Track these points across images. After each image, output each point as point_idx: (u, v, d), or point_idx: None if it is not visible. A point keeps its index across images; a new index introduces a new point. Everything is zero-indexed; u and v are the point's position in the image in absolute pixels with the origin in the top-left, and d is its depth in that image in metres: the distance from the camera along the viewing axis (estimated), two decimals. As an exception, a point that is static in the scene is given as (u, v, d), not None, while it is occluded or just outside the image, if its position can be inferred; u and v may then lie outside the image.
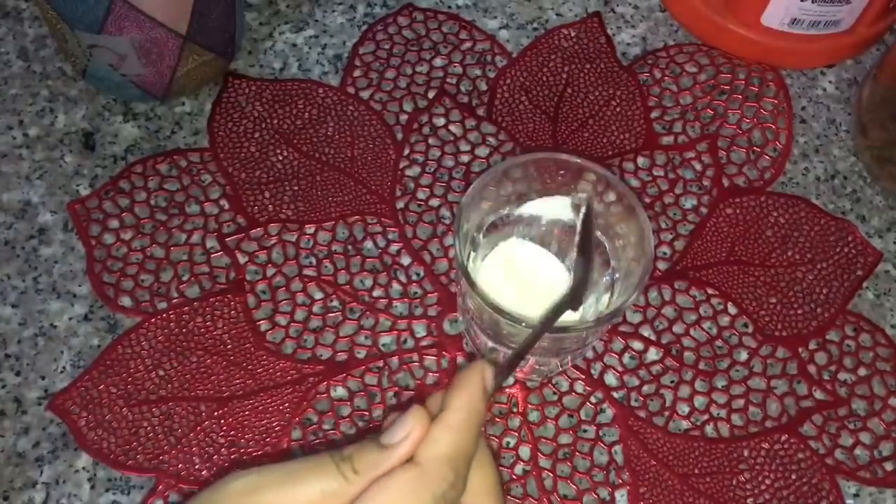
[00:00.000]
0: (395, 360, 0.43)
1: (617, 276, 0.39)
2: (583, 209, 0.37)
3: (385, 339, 0.43)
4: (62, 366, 0.42)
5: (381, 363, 0.43)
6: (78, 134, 0.48)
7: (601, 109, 0.50)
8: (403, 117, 0.49)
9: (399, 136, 0.49)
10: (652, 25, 0.53)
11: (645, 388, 0.43)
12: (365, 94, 0.50)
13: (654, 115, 0.50)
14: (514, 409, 0.42)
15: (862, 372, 0.43)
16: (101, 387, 0.41)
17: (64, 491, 0.40)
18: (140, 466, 0.40)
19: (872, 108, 0.49)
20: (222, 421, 0.41)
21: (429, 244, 0.46)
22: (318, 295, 0.44)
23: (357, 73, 0.51)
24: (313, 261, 0.45)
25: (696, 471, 0.41)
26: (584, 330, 0.36)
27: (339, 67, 0.51)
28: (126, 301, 0.44)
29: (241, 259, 0.45)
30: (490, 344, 0.39)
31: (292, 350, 0.43)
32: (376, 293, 0.44)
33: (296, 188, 0.47)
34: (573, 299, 0.34)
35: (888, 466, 0.41)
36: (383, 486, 0.26)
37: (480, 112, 0.50)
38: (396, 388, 0.42)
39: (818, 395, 0.43)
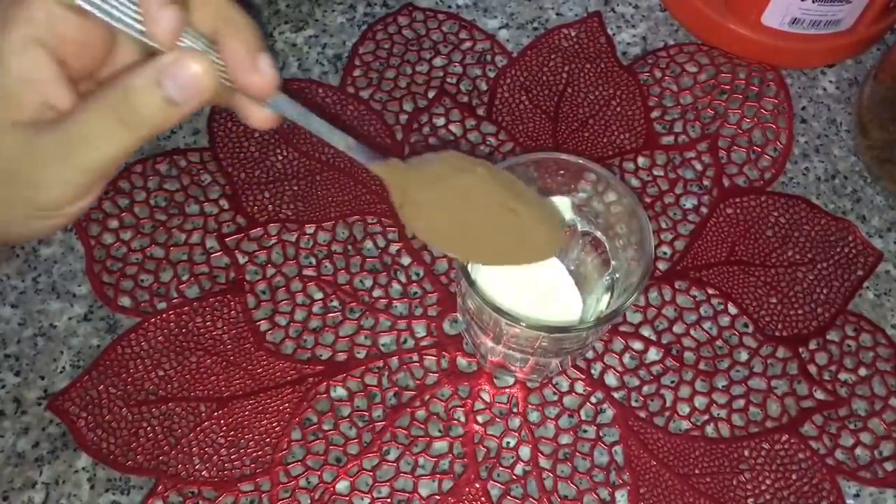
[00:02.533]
0: (394, 360, 0.43)
1: (617, 276, 0.39)
2: None
3: (385, 339, 0.43)
4: (62, 366, 0.42)
5: (380, 363, 0.43)
6: (77, 134, 0.48)
7: (601, 109, 0.50)
8: (403, 117, 0.49)
9: (399, 135, 0.49)
10: (652, 25, 0.53)
11: (645, 389, 0.43)
12: (365, 94, 0.50)
13: (654, 114, 0.50)
14: (514, 409, 0.42)
15: (862, 372, 0.43)
16: (101, 387, 0.41)
17: (64, 491, 0.40)
18: (140, 466, 0.40)
19: (873, 107, 0.49)
20: (222, 421, 0.41)
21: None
22: (318, 295, 0.44)
23: (357, 72, 0.50)
24: (313, 261, 0.45)
25: (697, 471, 0.41)
26: (584, 330, 0.36)
27: (339, 67, 0.51)
28: (125, 301, 0.44)
29: (241, 259, 0.45)
30: (490, 344, 0.39)
31: (292, 350, 0.43)
32: (376, 293, 0.44)
33: (295, 188, 0.47)
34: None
35: (889, 466, 0.41)
36: None
37: (480, 112, 0.50)
38: (396, 388, 0.42)
39: (819, 395, 0.43)
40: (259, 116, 0.29)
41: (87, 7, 0.25)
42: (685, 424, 0.42)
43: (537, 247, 0.33)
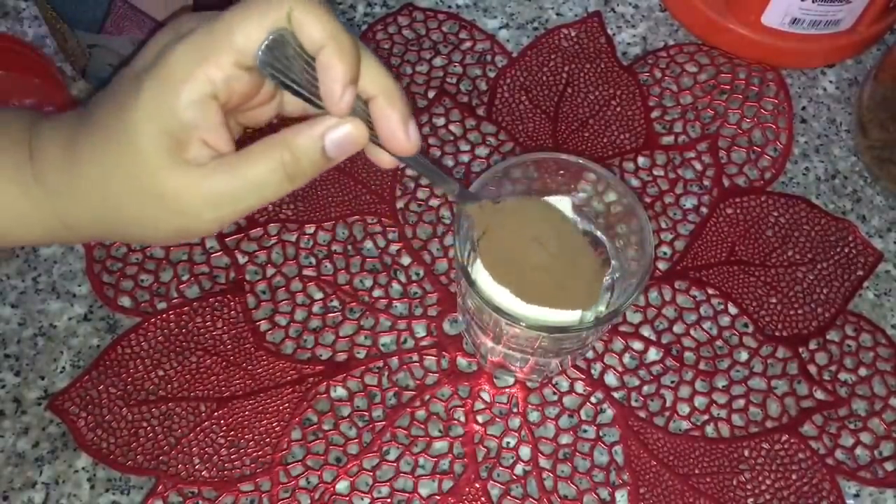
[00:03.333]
0: (394, 360, 0.43)
1: (617, 276, 0.39)
2: None
3: (385, 339, 0.43)
4: (62, 366, 0.42)
5: (380, 363, 0.43)
6: (78, 134, 0.48)
7: (601, 109, 0.50)
8: (403, 117, 0.49)
9: (399, 135, 0.49)
10: (652, 25, 0.53)
11: (645, 389, 0.43)
12: (365, 94, 0.50)
13: (654, 114, 0.50)
14: (514, 409, 0.42)
15: (862, 372, 0.43)
16: (101, 387, 0.41)
17: (64, 491, 0.40)
18: (140, 466, 0.40)
19: (873, 107, 0.49)
20: (222, 421, 0.41)
21: (429, 244, 0.46)
22: (318, 295, 0.44)
23: (357, 72, 0.50)
24: (313, 261, 0.45)
25: (697, 471, 0.41)
26: (584, 330, 0.36)
27: (339, 67, 0.51)
28: (125, 301, 0.44)
29: (241, 259, 0.45)
30: (490, 344, 0.39)
31: (292, 350, 0.43)
32: (376, 293, 0.44)
33: (296, 188, 0.47)
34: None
35: (888, 466, 0.41)
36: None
37: (480, 112, 0.50)
38: (396, 388, 0.42)
39: (818, 395, 0.43)
40: (386, 160, 0.32)
41: (274, 80, 0.28)
42: (685, 424, 0.42)
43: (577, 302, 0.37)
